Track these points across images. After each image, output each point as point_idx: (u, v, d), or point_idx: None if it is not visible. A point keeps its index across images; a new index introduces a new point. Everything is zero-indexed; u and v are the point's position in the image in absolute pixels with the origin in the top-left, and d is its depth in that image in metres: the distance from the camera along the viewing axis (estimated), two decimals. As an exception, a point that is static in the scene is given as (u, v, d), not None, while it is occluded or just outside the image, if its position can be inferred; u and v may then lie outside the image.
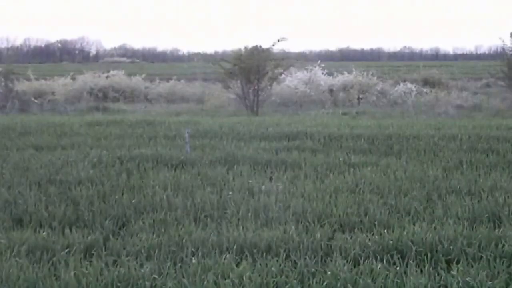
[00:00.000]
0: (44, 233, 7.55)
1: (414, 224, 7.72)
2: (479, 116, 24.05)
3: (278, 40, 28.63)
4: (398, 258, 6.59)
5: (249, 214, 8.26)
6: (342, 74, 36.32)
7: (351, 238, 7.23)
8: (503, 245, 6.90)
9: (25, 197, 9.17)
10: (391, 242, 7.01)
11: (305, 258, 6.61)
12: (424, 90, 33.46)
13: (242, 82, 28.49)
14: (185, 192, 9.57)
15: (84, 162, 11.96)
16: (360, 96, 32.41)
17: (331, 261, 6.56)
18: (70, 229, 7.73)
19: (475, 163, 11.85)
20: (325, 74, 36.87)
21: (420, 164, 11.88)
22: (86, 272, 6.23)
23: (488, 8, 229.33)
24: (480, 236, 7.17)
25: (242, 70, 28.34)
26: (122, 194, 9.41)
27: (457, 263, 6.49)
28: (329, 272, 6.18)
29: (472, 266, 6.33)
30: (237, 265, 6.45)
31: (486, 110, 27.24)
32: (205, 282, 5.99)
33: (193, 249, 6.91)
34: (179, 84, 38.31)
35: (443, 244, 6.90)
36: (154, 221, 8.06)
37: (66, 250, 6.96)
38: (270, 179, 10.63)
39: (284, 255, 6.74)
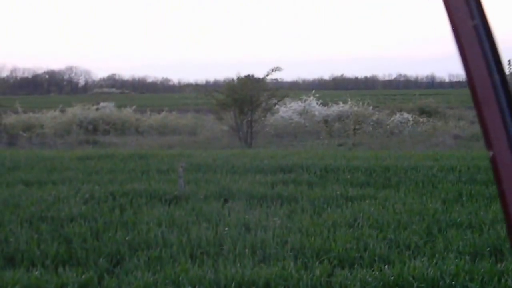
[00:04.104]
0: (37, 273, 7.41)
1: (414, 259, 7.61)
2: (477, 146, 23.93)
3: (272, 70, 28.37)
4: (400, 295, 6.46)
5: (246, 250, 8.12)
6: (337, 104, 36.21)
7: (351, 274, 7.11)
8: (506, 280, 6.80)
9: (17, 235, 9.00)
10: (392, 278, 6.89)
11: (305, 296, 6.48)
12: (421, 119, 33.26)
13: (235, 113, 28.25)
14: (180, 228, 9.42)
15: (76, 198, 11.79)
16: (356, 126, 32.25)
17: (332, 299, 6.43)
18: (64, 268, 7.59)
19: (475, 195, 11.73)
20: (319, 104, 36.76)
21: (419, 196, 11.75)
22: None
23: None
24: (482, 270, 7.07)
25: (235, 101, 28.04)
26: (116, 231, 9.25)
27: (460, 299, 6.36)
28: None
29: (475, 303, 6.20)
30: (235, 304, 6.31)
31: (485, 140, 27.09)
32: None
33: (190, 287, 6.77)
34: (171, 115, 38.16)
35: (444, 280, 6.78)
36: (149, 258, 7.92)
37: (60, 290, 6.81)
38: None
39: (283, 293, 6.60)
